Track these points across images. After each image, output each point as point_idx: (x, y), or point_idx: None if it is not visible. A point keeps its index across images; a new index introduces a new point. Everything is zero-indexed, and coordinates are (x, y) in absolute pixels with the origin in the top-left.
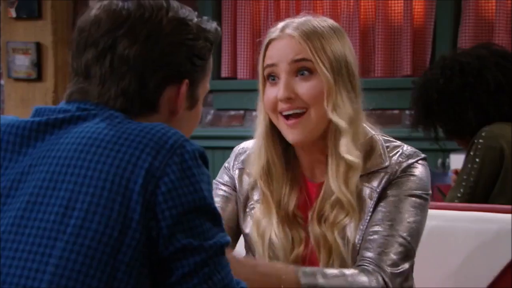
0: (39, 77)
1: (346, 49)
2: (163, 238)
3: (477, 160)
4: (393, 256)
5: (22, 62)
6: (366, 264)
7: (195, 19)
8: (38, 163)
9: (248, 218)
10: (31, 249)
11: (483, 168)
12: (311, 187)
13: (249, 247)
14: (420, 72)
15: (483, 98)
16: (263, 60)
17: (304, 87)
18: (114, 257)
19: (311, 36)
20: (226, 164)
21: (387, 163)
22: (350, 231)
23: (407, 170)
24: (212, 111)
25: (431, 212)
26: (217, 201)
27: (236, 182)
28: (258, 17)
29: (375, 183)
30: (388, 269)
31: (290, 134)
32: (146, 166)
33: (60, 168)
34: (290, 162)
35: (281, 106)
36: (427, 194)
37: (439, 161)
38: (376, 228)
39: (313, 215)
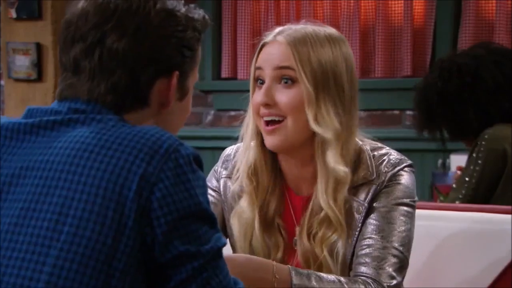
0: (39, 78)
1: (339, 60)
2: (159, 244)
3: (479, 162)
4: (389, 269)
5: (22, 63)
6: (363, 278)
7: (183, 9)
8: (31, 167)
9: (233, 226)
10: (25, 257)
11: (485, 170)
12: (296, 200)
13: (234, 253)
14: (420, 73)
15: (482, 98)
16: (255, 63)
17: (283, 96)
18: (108, 264)
19: (298, 44)
20: (215, 167)
21: (374, 176)
22: (339, 248)
23: (393, 179)
24: (212, 112)
25: (431, 212)
26: None
27: (221, 190)
28: (258, 18)
29: (362, 196)
30: (385, 283)
31: (268, 139)
32: (140, 172)
33: (53, 173)
34: (276, 172)
35: (262, 110)
36: (414, 201)
37: (439, 161)
38: (369, 242)
39: (301, 230)
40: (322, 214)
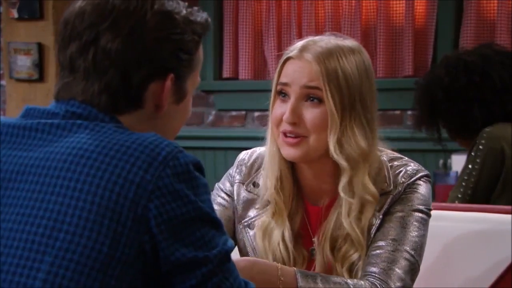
0: (41, 78)
1: (363, 77)
2: (163, 251)
3: (478, 161)
4: (398, 271)
5: (24, 63)
6: (371, 279)
7: (184, 12)
8: (27, 172)
9: (244, 233)
10: (19, 263)
11: (484, 169)
12: (312, 210)
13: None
14: (422, 73)
15: (488, 97)
16: (278, 76)
17: (310, 114)
18: (103, 272)
19: (326, 62)
20: (230, 171)
21: (391, 187)
22: (358, 267)
23: (410, 187)
24: (213, 112)
25: (431, 212)
26: (215, 209)
27: (235, 194)
28: (259, 18)
29: (377, 207)
30: (394, 285)
31: (286, 150)
32: (137, 180)
33: (50, 179)
34: (295, 181)
35: (284, 126)
36: (429, 210)
37: (441, 161)
38: (380, 243)
39: (324, 242)
40: (345, 231)
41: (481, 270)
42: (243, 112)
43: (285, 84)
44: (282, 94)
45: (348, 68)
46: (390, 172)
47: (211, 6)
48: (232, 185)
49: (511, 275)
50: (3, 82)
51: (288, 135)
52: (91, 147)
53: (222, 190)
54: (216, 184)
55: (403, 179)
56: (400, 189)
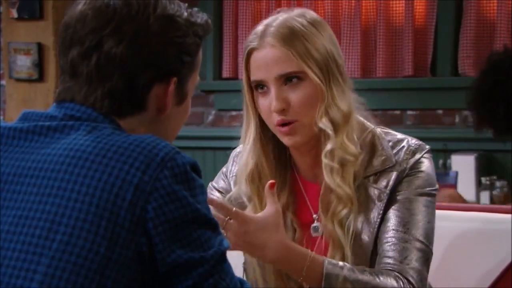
0: (41, 78)
1: (329, 41)
2: (160, 253)
3: None
4: (415, 264)
5: (24, 63)
6: (390, 269)
7: (185, 14)
8: (24, 174)
9: None
10: (16, 265)
11: None
12: (312, 187)
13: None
14: (422, 73)
15: None
16: (247, 71)
17: (296, 96)
18: (100, 273)
19: (292, 41)
20: (224, 169)
21: (393, 162)
22: (350, 222)
23: (415, 167)
24: (213, 112)
25: None
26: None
27: (233, 188)
28: (259, 18)
29: (383, 183)
30: (413, 278)
31: (286, 139)
32: (135, 181)
33: (47, 181)
34: (283, 165)
35: (275, 117)
36: (435, 190)
37: (441, 161)
38: (392, 234)
39: (325, 217)
40: (333, 193)
41: (481, 270)
42: (243, 112)
43: (260, 81)
44: (260, 86)
45: (312, 35)
46: (389, 147)
47: (211, 6)
48: (227, 183)
49: (511, 275)
50: (3, 82)
51: (282, 124)
52: (89, 149)
53: (215, 189)
54: (210, 183)
55: (406, 156)
56: (405, 166)
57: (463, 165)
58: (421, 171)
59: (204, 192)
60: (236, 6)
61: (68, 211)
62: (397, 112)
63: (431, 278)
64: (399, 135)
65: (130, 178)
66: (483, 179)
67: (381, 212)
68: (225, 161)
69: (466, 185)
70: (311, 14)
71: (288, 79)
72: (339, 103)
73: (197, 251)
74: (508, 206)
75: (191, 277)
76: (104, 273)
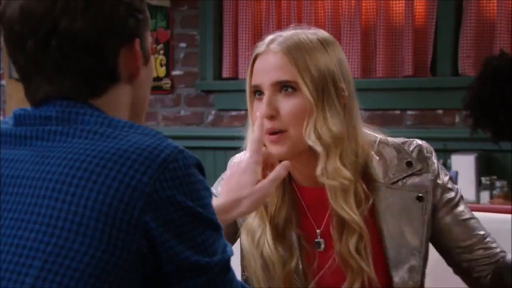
0: None
1: (334, 62)
2: (166, 252)
3: None
4: (497, 250)
5: None
6: (496, 251)
7: None
8: (21, 176)
9: (238, 233)
10: (8, 268)
11: None
12: (308, 193)
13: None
14: (422, 73)
15: None
16: (250, 76)
17: (286, 105)
18: (96, 276)
19: (294, 52)
20: (223, 176)
21: (419, 165)
22: (363, 246)
23: (441, 173)
24: (213, 112)
25: None
26: None
27: None
28: (259, 18)
29: (417, 187)
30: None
31: (274, 149)
32: (134, 183)
33: (43, 183)
34: (285, 177)
35: (266, 124)
36: (457, 188)
37: (440, 161)
38: (467, 243)
39: (337, 242)
40: (342, 218)
41: None
42: (243, 112)
43: (257, 85)
44: (258, 92)
45: (316, 51)
46: (405, 150)
47: (211, 6)
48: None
49: None
50: (3, 82)
51: (271, 133)
52: (87, 151)
53: (213, 195)
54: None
55: (427, 154)
56: (433, 167)
57: (463, 165)
58: (445, 178)
59: (208, 195)
60: (236, 6)
61: (63, 214)
62: (397, 112)
63: (430, 278)
64: (403, 138)
65: (129, 180)
66: (483, 179)
67: (428, 217)
68: (225, 161)
69: (466, 185)
70: (324, 33)
71: (283, 87)
72: (329, 124)
73: (202, 254)
74: (508, 206)
75: (193, 284)
76: (100, 276)
